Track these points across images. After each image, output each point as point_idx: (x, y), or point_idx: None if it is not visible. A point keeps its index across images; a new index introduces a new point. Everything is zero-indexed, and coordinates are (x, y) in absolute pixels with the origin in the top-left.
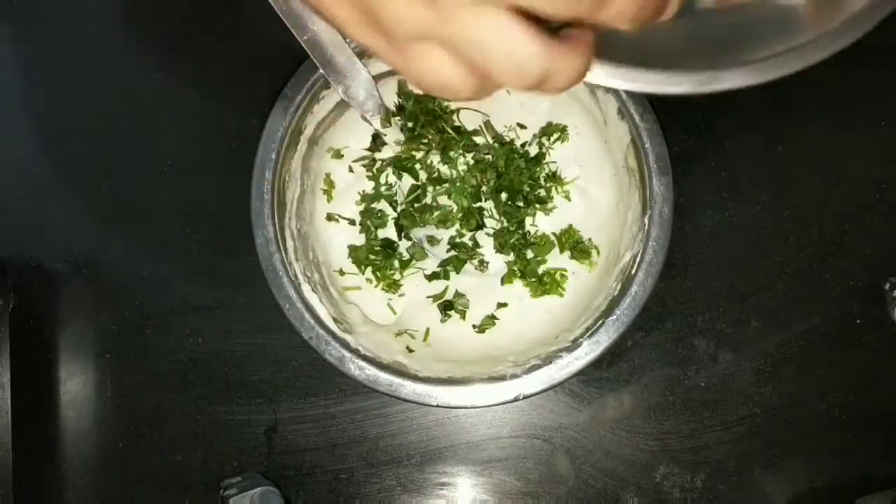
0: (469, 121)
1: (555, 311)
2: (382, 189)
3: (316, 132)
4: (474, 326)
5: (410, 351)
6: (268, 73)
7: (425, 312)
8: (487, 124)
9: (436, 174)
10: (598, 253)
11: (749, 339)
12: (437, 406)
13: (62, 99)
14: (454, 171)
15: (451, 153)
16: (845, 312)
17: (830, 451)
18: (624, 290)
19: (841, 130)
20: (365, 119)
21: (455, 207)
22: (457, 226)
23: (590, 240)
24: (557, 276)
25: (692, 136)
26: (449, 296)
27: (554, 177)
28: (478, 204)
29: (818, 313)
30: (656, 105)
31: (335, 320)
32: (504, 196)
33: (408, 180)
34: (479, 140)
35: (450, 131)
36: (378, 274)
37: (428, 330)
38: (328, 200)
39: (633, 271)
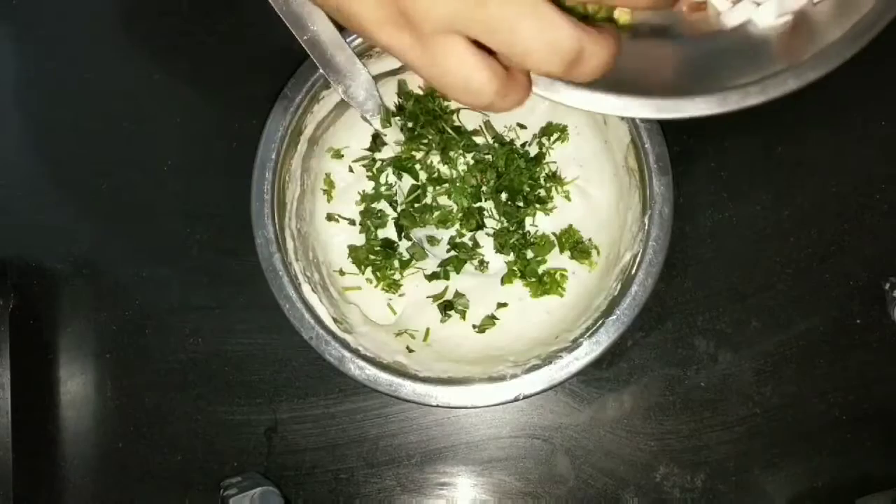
0: (469, 121)
1: (555, 311)
2: (382, 189)
3: (316, 132)
4: (474, 326)
5: (410, 351)
6: (268, 73)
7: (425, 312)
8: (487, 124)
9: (436, 174)
10: (598, 253)
11: (749, 339)
12: (437, 406)
13: (62, 99)
14: (454, 171)
15: (451, 153)
16: (845, 312)
17: (830, 451)
18: (624, 290)
19: (841, 130)
20: (365, 119)
21: (455, 207)
22: (457, 226)
23: (590, 240)
24: (557, 276)
25: (692, 136)
26: (449, 296)
27: (554, 177)
28: (478, 204)
29: (818, 313)
30: None
31: (335, 320)
32: (504, 196)
33: (408, 180)
34: (479, 140)
35: (450, 131)
36: (378, 274)
37: (428, 330)
38: (328, 200)
39: (633, 271)
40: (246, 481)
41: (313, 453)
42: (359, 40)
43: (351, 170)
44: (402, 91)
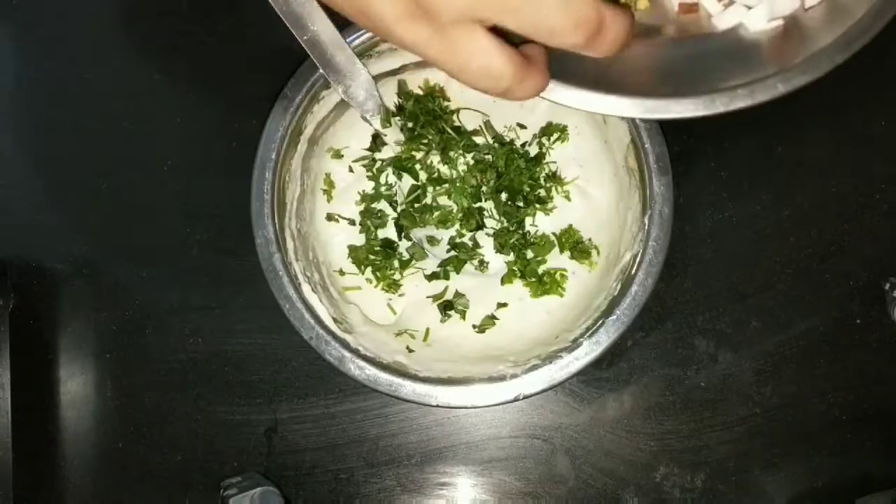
0: (469, 121)
1: (555, 310)
2: (382, 189)
3: (316, 132)
4: (474, 326)
5: (410, 351)
6: (268, 73)
7: (425, 312)
8: (487, 124)
9: (436, 174)
10: (598, 253)
11: (749, 339)
12: (437, 406)
13: (62, 99)
14: (454, 172)
15: (451, 153)
16: (845, 312)
17: (830, 451)
18: (624, 290)
19: (841, 130)
20: (365, 119)
21: (455, 207)
22: (457, 226)
23: (590, 240)
24: (557, 276)
25: (692, 136)
26: (449, 296)
27: (554, 177)
28: (478, 204)
29: (818, 313)
30: None
31: (335, 320)
32: (504, 196)
33: (408, 180)
34: (479, 140)
35: (450, 131)
36: (378, 274)
37: (428, 330)
38: (328, 200)
39: (633, 271)
40: (246, 481)
41: (313, 453)
42: (359, 40)
43: (351, 170)
44: (402, 91)
